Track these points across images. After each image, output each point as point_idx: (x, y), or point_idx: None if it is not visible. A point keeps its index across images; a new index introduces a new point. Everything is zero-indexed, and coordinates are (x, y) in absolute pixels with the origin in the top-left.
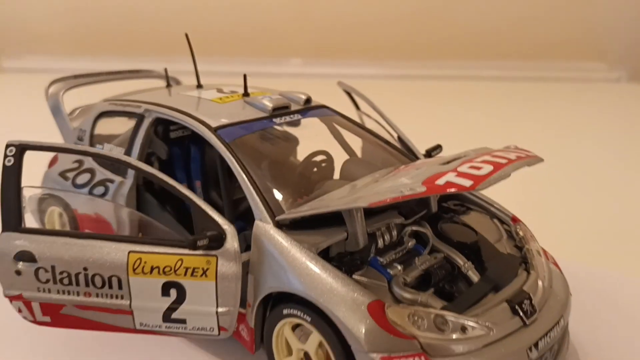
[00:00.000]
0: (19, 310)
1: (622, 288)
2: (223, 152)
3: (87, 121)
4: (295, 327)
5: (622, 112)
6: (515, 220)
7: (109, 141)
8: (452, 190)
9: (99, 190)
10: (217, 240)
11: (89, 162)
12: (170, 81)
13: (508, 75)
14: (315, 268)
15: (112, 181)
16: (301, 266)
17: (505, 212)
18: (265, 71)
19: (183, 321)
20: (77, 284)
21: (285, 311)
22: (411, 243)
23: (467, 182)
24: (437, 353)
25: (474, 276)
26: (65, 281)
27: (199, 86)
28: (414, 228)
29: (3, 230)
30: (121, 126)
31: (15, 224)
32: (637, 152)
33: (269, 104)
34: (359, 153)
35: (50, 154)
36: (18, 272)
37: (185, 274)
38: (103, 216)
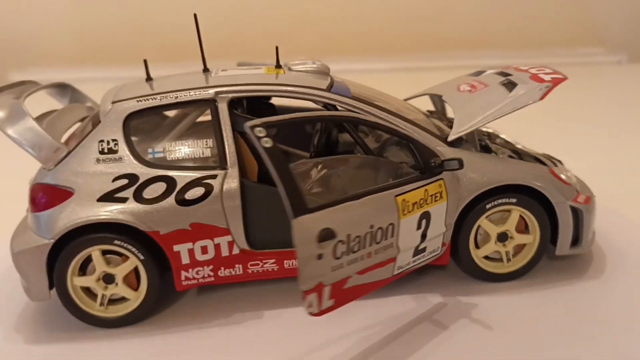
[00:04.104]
0: (309, 306)
1: None
2: (356, 106)
3: (110, 128)
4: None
5: (624, 89)
6: None
7: (159, 140)
8: (563, 81)
9: (193, 193)
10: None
11: (147, 171)
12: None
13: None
14: (504, 162)
15: (214, 177)
16: (498, 164)
17: None
18: None
19: (424, 250)
20: (364, 246)
21: (488, 205)
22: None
23: (558, 76)
24: (579, 190)
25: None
26: (356, 247)
27: (206, 70)
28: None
29: (296, 216)
30: (160, 121)
31: (304, 205)
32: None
33: (325, 67)
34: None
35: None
36: (320, 256)
37: (432, 201)
38: None
